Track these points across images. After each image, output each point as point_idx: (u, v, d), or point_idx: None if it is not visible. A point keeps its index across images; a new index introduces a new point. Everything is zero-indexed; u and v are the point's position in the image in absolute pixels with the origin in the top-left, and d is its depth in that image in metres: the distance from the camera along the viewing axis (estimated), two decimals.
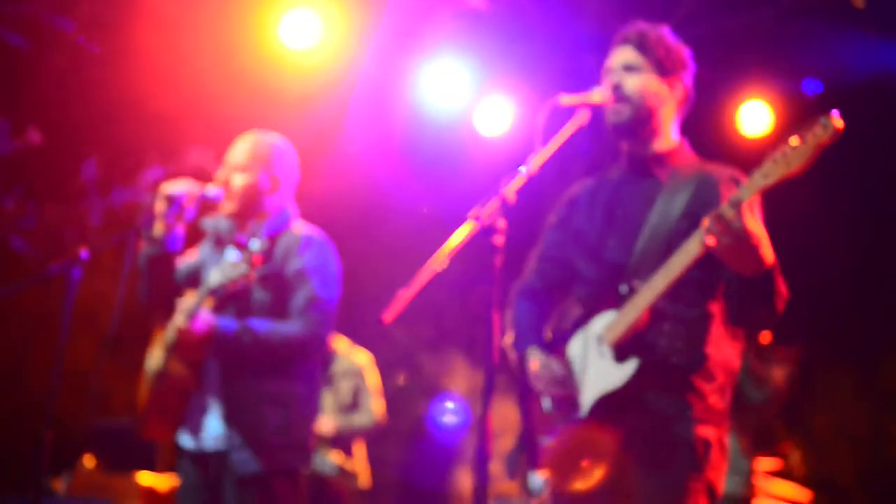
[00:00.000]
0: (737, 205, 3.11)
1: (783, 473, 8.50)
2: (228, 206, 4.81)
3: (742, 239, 3.12)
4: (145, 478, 6.99)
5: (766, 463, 8.39)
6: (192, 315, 4.47)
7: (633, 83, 3.75)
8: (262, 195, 4.84)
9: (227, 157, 4.89)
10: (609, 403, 3.47)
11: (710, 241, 3.16)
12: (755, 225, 3.16)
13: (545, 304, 4.01)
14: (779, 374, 7.73)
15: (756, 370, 7.45)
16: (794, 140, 3.00)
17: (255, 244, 4.44)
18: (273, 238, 4.77)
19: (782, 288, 3.35)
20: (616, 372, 3.44)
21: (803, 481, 8.54)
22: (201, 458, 4.69)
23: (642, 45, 3.79)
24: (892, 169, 13.62)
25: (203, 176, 10.12)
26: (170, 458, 4.87)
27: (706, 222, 3.17)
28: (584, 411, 3.51)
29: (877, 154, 13.41)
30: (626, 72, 3.78)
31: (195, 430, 4.69)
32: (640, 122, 3.75)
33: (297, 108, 10.16)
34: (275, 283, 4.71)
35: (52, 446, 4.33)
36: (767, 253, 3.22)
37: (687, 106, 3.89)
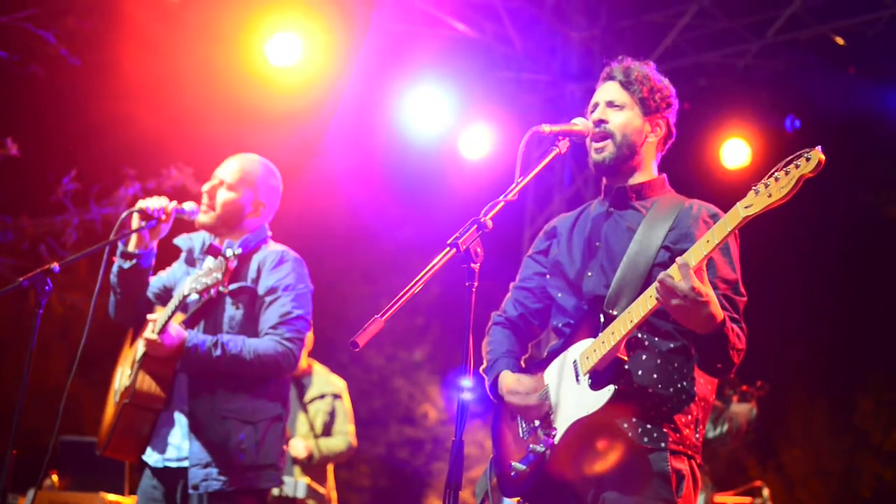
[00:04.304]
0: (684, 268, 3.15)
1: None
2: (208, 217, 4.78)
3: (689, 300, 3.16)
4: (112, 496, 6.91)
5: (735, 499, 8.37)
6: (162, 328, 4.43)
7: (617, 120, 3.77)
8: (243, 216, 4.83)
9: (216, 171, 4.87)
10: (584, 429, 3.45)
11: (658, 300, 3.24)
12: (704, 286, 3.19)
13: (522, 333, 4.00)
14: (740, 410, 7.71)
15: (715, 406, 7.44)
16: (777, 172, 3.02)
17: (230, 252, 4.42)
18: (247, 255, 4.75)
19: (737, 342, 3.37)
20: (592, 398, 3.42)
21: None
22: (166, 474, 4.63)
23: (627, 83, 3.81)
24: (870, 207, 13.73)
25: (182, 193, 10.08)
26: (137, 477, 4.78)
27: (656, 282, 3.23)
28: (559, 437, 3.49)
29: (855, 192, 13.53)
30: (610, 108, 3.80)
31: (161, 445, 4.63)
32: (623, 159, 3.77)
33: (278, 129, 10.15)
34: (247, 300, 4.68)
35: (19, 463, 4.25)
36: (717, 312, 3.24)
37: (668, 143, 3.92)
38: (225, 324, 4.65)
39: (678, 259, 3.19)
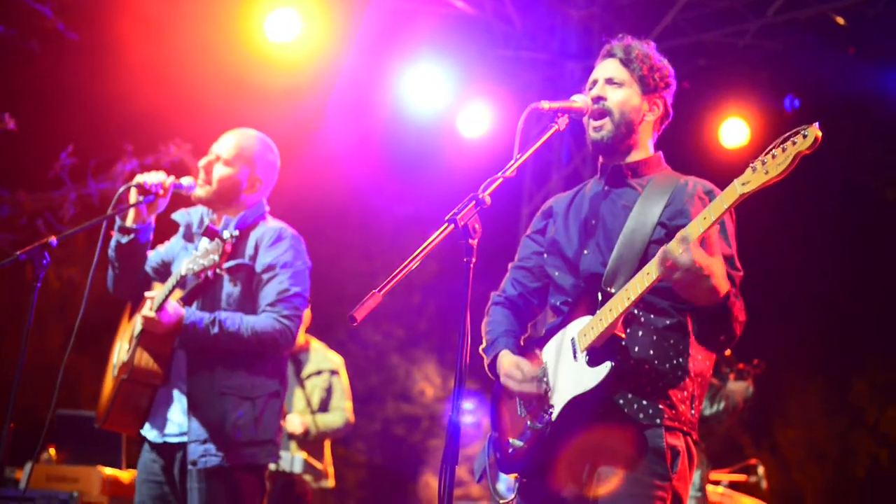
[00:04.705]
0: (685, 241, 3.16)
1: (749, 488, 8.52)
2: (203, 192, 4.77)
3: (691, 273, 3.16)
4: (109, 469, 6.94)
5: (730, 476, 8.39)
6: (160, 305, 4.44)
7: (616, 97, 3.78)
8: (240, 192, 4.82)
9: (213, 146, 4.86)
10: (581, 406, 3.46)
11: (661, 273, 3.24)
12: (705, 259, 3.19)
13: (521, 312, 4.01)
14: (737, 388, 7.74)
15: (711, 383, 7.46)
16: (774, 149, 3.03)
17: (227, 234, 4.42)
18: (245, 232, 4.75)
19: (739, 314, 3.39)
20: (589, 375, 3.43)
21: (770, 496, 8.56)
22: (164, 450, 4.65)
23: (627, 61, 3.82)
24: (869, 187, 13.73)
25: (180, 169, 10.07)
26: (134, 451, 4.81)
27: (657, 256, 3.23)
28: (556, 414, 3.50)
29: (853, 173, 13.53)
30: (609, 85, 3.81)
31: (159, 421, 4.66)
32: (621, 138, 3.78)
33: (276, 106, 10.12)
34: (245, 277, 4.69)
35: (16, 437, 4.27)
36: (721, 284, 3.24)
37: (666, 122, 3.92)
38: (223, 301, 4.66)
39: (678, 233, 3.20)
